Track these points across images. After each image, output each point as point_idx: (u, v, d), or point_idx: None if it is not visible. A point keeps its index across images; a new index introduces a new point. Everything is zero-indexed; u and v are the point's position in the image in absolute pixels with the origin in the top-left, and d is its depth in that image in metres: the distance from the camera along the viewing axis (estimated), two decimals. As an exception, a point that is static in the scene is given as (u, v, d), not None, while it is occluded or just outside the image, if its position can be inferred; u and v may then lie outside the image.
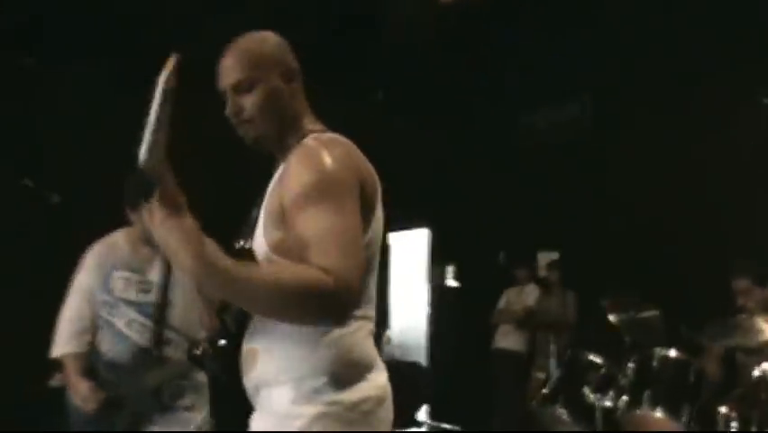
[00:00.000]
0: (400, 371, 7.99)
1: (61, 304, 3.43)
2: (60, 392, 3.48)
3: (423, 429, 8.10)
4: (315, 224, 1.71)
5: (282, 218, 1.81)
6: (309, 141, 1.90)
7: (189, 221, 1.69)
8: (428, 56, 9.00)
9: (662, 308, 5.16)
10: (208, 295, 2.86)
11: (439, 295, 9.58)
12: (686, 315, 5.34)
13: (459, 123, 9.39)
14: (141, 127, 1.71)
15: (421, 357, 9.56)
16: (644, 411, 3.88)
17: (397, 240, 10.74)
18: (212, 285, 1.69)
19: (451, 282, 9.38)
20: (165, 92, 1.69)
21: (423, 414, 8.32)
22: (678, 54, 6.80)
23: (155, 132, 1.68)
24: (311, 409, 1.83)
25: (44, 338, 3.43)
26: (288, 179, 1.82)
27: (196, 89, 2.20)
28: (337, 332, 1.84)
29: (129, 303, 3.34)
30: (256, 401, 1.96)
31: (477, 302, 8.19)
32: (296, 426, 1.83)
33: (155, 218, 1.69)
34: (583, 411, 4.17)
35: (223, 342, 1.93)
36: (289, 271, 1.68)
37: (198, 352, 1.96)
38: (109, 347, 3.36)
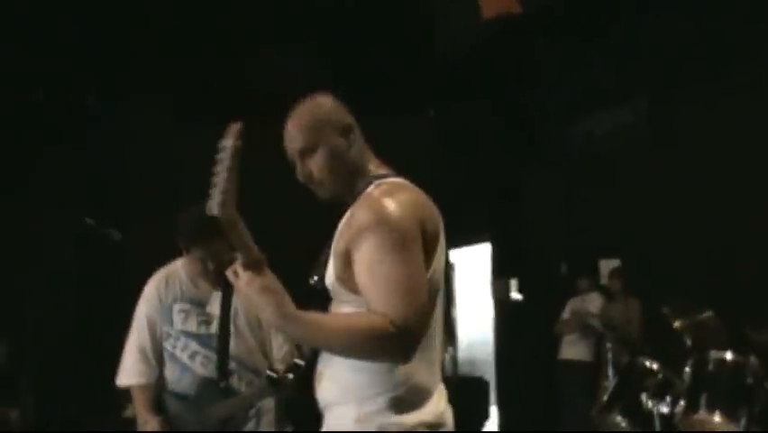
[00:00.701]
0: (466, 386, 8.02)
1: (125, 336, 3.52)
2: (133, 422, 3.59)
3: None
4: (378, 273, 1.92)
5: (348, 260, 2.00)
6: (373, 189, 2.07)
7: (271, 279, 1.94)
8: (479, 70, 9.05)
9: (725, 312, 5.10)
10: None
11: (504, 309, 9.57)
12: (749, 317, 5.27)
13: (514, 134, 9.41)
14: (208, 181, 1.89)
15: (490, 372, 9.55)
16: (701, 416, 3.84)
17: (461, 256, 10.78)
18: (295, 335, 2.07)
19: (515, 295, 9.36)
20: (232, 151, 1.90)
21: (487, 428, 8.31)
22: (734, 50, 6.70)
23: (226, 185, 1.88)
24: (371, 427, 2.00)
25: (112, 370, 3.54)
26: (354, 226, 2.00)
27: (258, 124, 2.31)
28: (394, 364, 2.00)
29: (191, 335, 3.36)
30: (324, 419, 2.15)
31: (541, 314, 8.17)
32: None
33: (241, 280, 1.94)
34: (642, 419, 4.14)
35: (300, 364, 2.15)
36: (357, 320, 1.93)
37: (275, 375, 2.17)
38: (174, 379, 3.38)
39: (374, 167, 2.17)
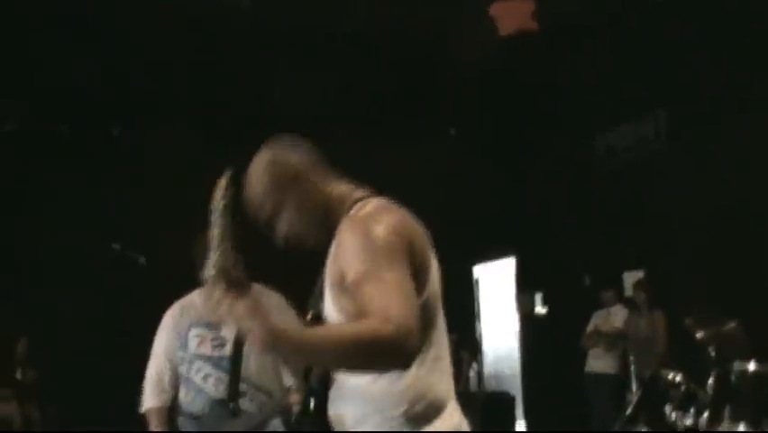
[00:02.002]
0: (491, 401, 8.02)
1: (147, 360, 3.62)
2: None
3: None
4: (374, 285, 1.88)
5: (344, 285, 1.98)
6: (356, 212, 2.07)
7: (256, 303, 1.91)
8: (499, 87, 9.10)
9: (749, 322, 5.08)
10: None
11: (529, 323, 9.56)
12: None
13: (537, 149, 9.44)
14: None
15: (516, 386, 9.53)
16: (725, 427, 3.84)
17: (485, 271, 10.80)
18: (284, 350, 1.89)
19: (540, 309, 9.35)
20: (223, 208, 1.94)
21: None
22: (753, 64, 6.69)
23: (221, 243, 1.94)
24: None
25: (134, 390, 3.63)
26: (344, 250, 1.99)
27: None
28: (410, 378, 1.99)
29: (205, 358, 3.46)
30: None
31: (567, 327, 8.17)
32: None
33: (226, 300, 1.88)
34: (666, 431, 4.15)
35: (312, 403, 2.11)
36: (355, 326, 1.88)
37: (293, 418, 2.14)
38: (188, 401, 3.48)
39: (347, 192, 2.16)
